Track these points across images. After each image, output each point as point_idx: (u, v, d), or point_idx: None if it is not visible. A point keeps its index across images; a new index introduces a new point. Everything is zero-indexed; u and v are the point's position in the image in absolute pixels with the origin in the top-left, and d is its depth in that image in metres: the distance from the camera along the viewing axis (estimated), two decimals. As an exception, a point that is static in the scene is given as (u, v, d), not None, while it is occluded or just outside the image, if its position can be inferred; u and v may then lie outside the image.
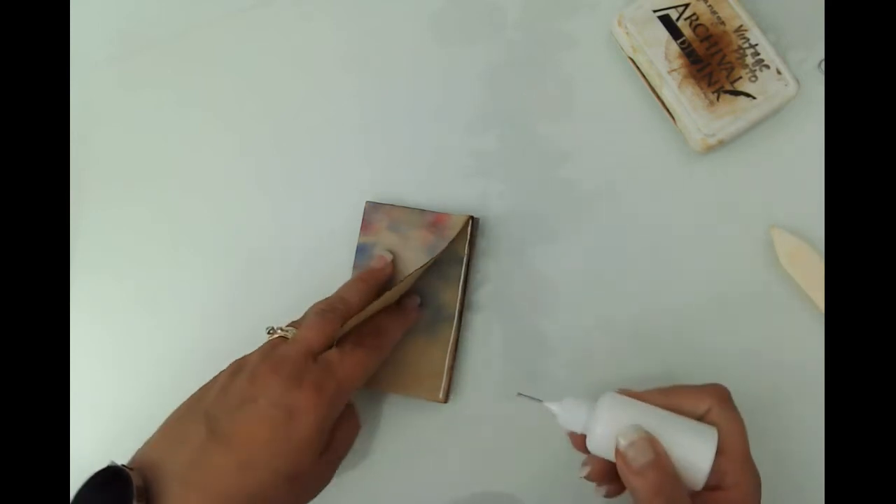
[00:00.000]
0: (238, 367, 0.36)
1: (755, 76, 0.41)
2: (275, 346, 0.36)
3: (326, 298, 0.39)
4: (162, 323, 0.46)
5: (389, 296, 0.39)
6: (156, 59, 0.49)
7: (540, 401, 0.33)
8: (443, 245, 0.42)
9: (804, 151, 0.43)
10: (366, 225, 0.44)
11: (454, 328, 0.42)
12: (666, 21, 0.43)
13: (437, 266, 0.42)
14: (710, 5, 0.43)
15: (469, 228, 0.43)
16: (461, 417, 0.42)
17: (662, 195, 0.44)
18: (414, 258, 0.43)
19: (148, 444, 0.35)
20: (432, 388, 0.41)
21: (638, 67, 0.44)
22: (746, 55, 0.42)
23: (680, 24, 0.43)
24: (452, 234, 0.42)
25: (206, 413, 0.34)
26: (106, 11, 0.50)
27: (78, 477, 0.39)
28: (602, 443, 0.31)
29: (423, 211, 0.43)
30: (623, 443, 0.30)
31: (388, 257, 0.42)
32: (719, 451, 0.30)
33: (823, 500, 0.28)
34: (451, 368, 0.42)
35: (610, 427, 0.31)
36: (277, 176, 0.47)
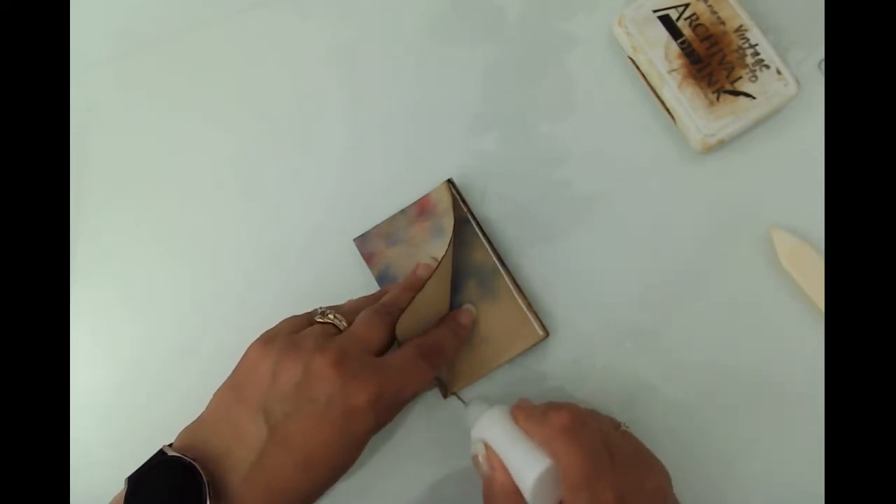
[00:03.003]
0: (282, 344, 0.35)
1: (755, 76, 0.42)
2: (328, 335, 0.35)
3: (380, 301, 0.39)
4: (162, 324, 0.46)
5: (434, 287, 0.39)
6: (156, 58, 0.49)
7: (465, 403, 0.39)
8: (447, 219, 0.42)
9: (804, 151, 0.43)
10: (368, 258, 0.44)
11: (505, 274, 0.42)
12: (666, 21, 0.43)
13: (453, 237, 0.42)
14: (710, 5, 0.43)
15: (453, 190, 0.43)
16: (461, 408, 0.42)
17: (662, 195, 0.44)
18: (430, 250, 0.43)
19: (198, 432, 0.34)
20: (528, 333, 0.41)
21: (638, 67, 0.44)
22: (746, 55, 0.42)
23: (680, 24, 0.43)
24: (446, 205, 0.43)
25: (262, 408, 0.33)
26: (106, 11, 0.50)
27: (78, 477, 0.39)
28: (474, 444, 0.36)
29: (403, 210, 0.44)
30: (474, 451, 0.36)
31: (434, 264, 0.41)
32: (560, 477, 0.32)
33: (823, 500, 0.29)
34: (530, 305, 0.41)
35: (477, 434, 0.36)
36: (276, 176, 0.47)
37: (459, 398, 0.41)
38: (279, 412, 0.33)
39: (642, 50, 0.43)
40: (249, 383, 0.34)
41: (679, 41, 0.42)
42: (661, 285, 0.43)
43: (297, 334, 0.36)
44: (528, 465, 0.33)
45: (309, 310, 0.39)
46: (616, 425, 0.36)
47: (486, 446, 0.35)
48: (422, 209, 0.43)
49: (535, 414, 0.34)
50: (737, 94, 0.41)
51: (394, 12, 0.48)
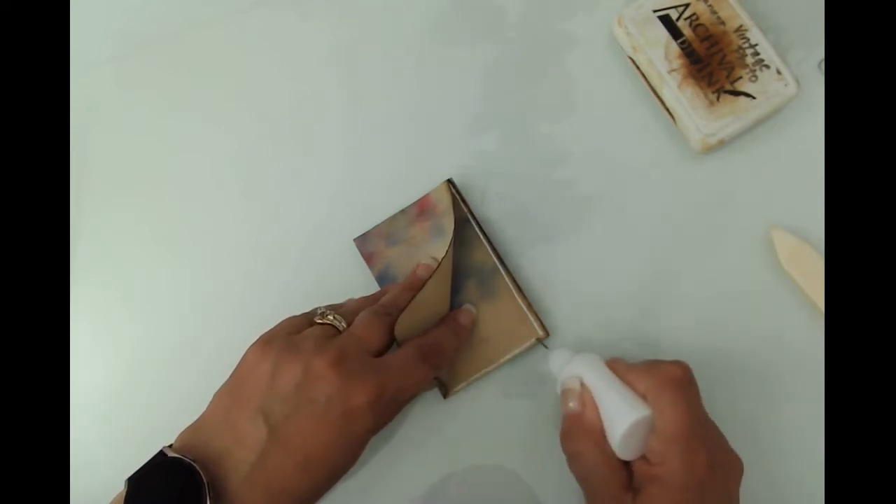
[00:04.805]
0: (281, 345, 0.35)
1: (755, 76, 0.42)
2: (327, 336, 0.35)
3: (380, 302, 0.39)
4: (162, 324, 0.45)
5: (434, 288, 0.39)
6: (156, 58, 0.49)
7: (546, 348, 0.41)
8: (447, 219, 0.42)
9: (804, 151, 0.43)
10: (368, 258, 0.44)
11: (505, 274, 0.42)
12: (666, 21, 0.43)
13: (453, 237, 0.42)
14: (710, 5, 0.43)
15: (453, 190, 0.43)
16: (461, 408, 0.42)
17: (662, 195, 0.44)
18: (430, 250, 0.43)
19: (198, 433, 0.34)
20: (528, 333, 0.41)
21: (638, 67, 0.44)
22: (746, 55, 0.42)
23: (680, 24, 0.43)
24: (446, 205, 0.42)
25: (262, 409, 0.33)
26: (106, 11, 0.50)
27: (78, 477, 0.39)
28: (569, 379, 0.36)
29: (403, 210, 0.44)
30: (562, 386, 0.36)
31: (434, 264, 0.41)
32: (652, 429, 0.32)
33: (823, 500, 0.29)
34: (530, 305, 0.41)
35: (573, 370, 0.36)
36: (276, 176, 0.47)
37: (543, 344, 0.41)
38: (279, 413, 0.33)
39: (642, 50, 0.43)
40: (249, 385, 0.34)
41: (679, 41, 0.42)
42: (661, 285, 0.43)
43: (296, 335, 0.36)
44: (624, 410, 0.32)
45: (309, 310, 0.39)
46: None
47: (581, 384, 0.35)
48: (422, 209, 0.43)
49: (638, 365, 0.34)
50: (737, 94, 0.41)
51: (394, 12, 0.48)
